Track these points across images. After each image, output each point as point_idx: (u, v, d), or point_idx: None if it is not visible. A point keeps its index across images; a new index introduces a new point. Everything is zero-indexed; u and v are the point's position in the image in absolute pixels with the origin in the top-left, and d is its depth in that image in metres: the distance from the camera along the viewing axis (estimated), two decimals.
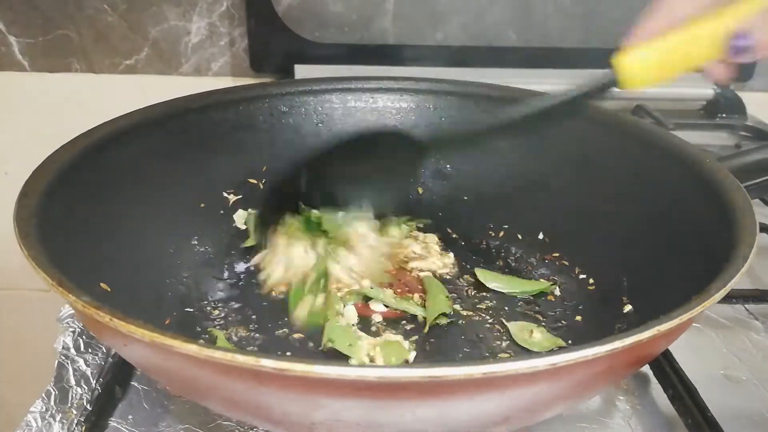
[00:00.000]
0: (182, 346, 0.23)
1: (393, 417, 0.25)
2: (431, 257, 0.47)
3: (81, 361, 0.39)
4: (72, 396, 0.37)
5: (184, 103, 0.47)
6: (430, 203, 0.52)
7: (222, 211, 0.49)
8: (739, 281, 0.28)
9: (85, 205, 0.37)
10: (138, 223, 0.41)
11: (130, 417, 0.35)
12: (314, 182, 0.42)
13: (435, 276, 0.45)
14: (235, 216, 0.49)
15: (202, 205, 0.47)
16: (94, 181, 0.39)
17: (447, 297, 0.43)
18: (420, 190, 0.52)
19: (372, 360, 0.37)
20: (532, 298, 0.44)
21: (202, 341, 0.24)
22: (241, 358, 0.22)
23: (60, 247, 0.31)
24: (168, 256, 0.43)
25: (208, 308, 0.42)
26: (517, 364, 0.22)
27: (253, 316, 0.41)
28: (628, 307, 0.40)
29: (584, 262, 0.45)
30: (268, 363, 0.22)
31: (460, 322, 0.42)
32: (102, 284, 0.34)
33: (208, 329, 0.40)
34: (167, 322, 0.39)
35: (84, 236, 0.36)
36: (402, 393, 0.23)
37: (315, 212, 0.44)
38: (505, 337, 0.40)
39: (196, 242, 0.46)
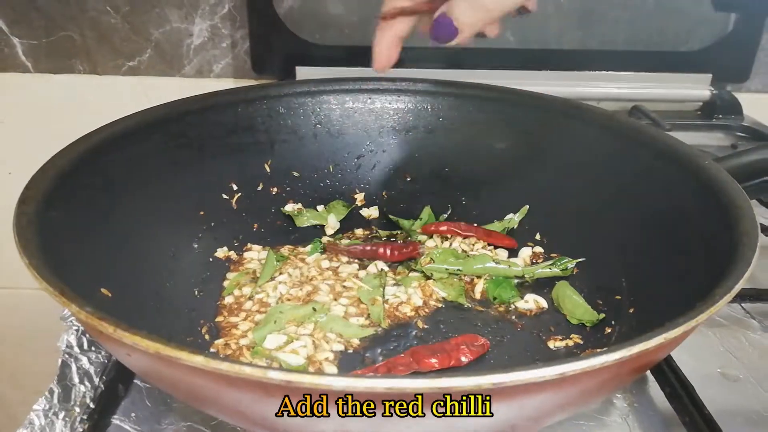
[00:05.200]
0: (189, 357, 0.22)
1: (400, 427, 0.25)
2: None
3: (84, 359, 0.39)
4: (75, 394, 0.37)
5: (183, 105, 0.47)
6: (427, 205, 0.52)
7: (221, 213, 0.49)
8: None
9: (84, 209, 0.37)
10: (137, 226, 0.41)
11: (132, 415, 0.35)
12: None
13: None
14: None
15: (202, 207, 0.48)
16: (93, 185, 0.39)
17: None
18: (407, 178, 0.52)
19: None
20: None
21: (207, 352, 0.23)
22: (248, 370, 0.22)
23: (60, 253, 0.31)
24: (168, 260, 0.43)
25: (209, 311, 0.42)
26: (525, 374, 0.22)
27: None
28: (626, 308, 0.40)
29: (583, 263, 0.45)
30: (275, 375, 0.22)
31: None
32: (103, 290, 0.34)
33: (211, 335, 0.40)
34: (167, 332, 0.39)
35: (84, 241, 0.36)
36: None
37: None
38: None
39: (196, 245, 0.46)
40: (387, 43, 0.39)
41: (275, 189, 0.52)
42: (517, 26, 0.75)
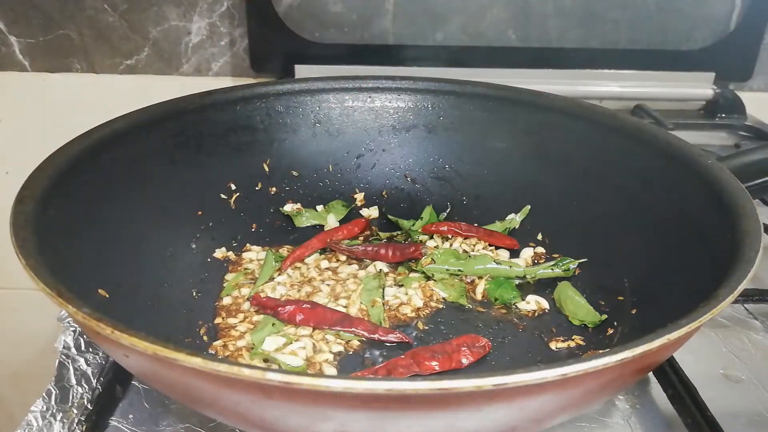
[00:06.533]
0: (187, 359, 0.22)
1: (400, 428, 0.25)
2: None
3: (82, 361, 0.39)
4: (73, 395, 0.37)
5: (182, 103, 0.47)
6: (428, 205, 0.52)
7: (219, 213, 0.49)
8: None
9: (81, 209, 0.37)
10: (135, 226, 0.41)
11: (130, 416, 0.35)
12: None
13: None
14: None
15: (200, 207, 0.47)
16: (90, 184, 0.38)
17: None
18: (408, 178, 0.52)
19: None
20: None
21: (206, 353, 0.23)
22: (247, 372, 0.22)
23: (58, 253, 0.31)
24: (166, 260, 0.43)
25: (207, 312, 0.42)
26: (527, 375, 0.22)
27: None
28: (629, 309, 0.40)
29: (585, 264, 0.45)
30: (274, 377, 0.22)
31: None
32: (100, 290, 0.34)
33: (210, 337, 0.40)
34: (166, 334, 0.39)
35: (81, 241, 0.35)
36: (410, 405, 0.23)
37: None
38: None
39: (194, 245, 0.46)
40: None
41: (274, 189, 0.51)
42: (519, 24, 0.75)
